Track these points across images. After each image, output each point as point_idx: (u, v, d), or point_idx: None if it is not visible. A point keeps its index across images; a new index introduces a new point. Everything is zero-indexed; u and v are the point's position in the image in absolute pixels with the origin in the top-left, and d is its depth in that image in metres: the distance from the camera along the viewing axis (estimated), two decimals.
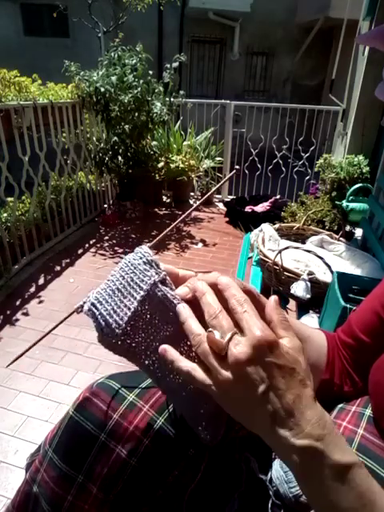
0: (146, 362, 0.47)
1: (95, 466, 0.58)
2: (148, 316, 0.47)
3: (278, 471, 0.54)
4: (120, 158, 3.43)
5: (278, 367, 0.37)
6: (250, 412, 0.38)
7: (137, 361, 0.47)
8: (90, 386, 0.64)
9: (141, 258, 0.48)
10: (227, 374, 0.37)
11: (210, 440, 0.47)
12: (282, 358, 0.37)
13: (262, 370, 0.36)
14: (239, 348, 0.36)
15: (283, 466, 0.54)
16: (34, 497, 0.62)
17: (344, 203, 2.84)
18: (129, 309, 0.46)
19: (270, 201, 3.68)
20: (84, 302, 0.47)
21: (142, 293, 0.46)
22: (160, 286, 0.47)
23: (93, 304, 0.46)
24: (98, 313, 0.46)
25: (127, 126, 3.26)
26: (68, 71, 3.10)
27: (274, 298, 0.43)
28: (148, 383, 0.63)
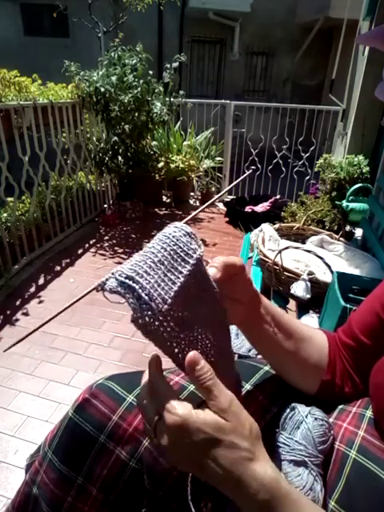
0: (176, 350, 0.43)
1: (95, 467, 0.58)
2: (186, 295, 0.43)
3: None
4: (120, 157, 3.43)
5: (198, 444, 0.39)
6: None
7: (166, 347, 0.42)
8: (89, 388, 0.63)
9: (180, 231, 0.45)
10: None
11: None
12: (196, 435, 0.39)
13: (191, 448, 0.39)
14: (161, 438, 0.40)
15: (283, 468, 0.54)
16: (34, 498, 0.62)
17: (344, 203, 2.84)
18: (174, 283, 0.41)
19: (270, 201, 3.67)
20: (107, 279, 0.40)
21: (188, 267, 0.43)
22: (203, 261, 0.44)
23: (129, 277, 0.39)
24: (138, 286, 0.39)
25: (127, 126, 3.26)
26: (68, 71, 3.10)
27: (191, 357, 0.42)
28: None
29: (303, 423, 0.53)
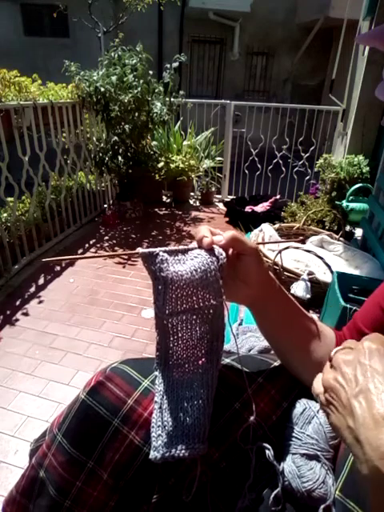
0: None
1: (107, 451, 0.56)
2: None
3: (291, 466, 0.53)
4: (120, 157, 3.43)
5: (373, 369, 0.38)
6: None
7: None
8: (102, 371, 0.62)
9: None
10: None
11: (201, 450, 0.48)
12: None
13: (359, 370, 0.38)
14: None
15: (296, 461, 0.54)
16: (41, 482, 0.61)
17: (344, 203, 2.84)
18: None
19: (270, 201, 3.67)
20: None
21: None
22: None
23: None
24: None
25: (127, 126, 3.26)
26: (68, 71, 3.10)
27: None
28: None
29: (315, 418, 0.54)
